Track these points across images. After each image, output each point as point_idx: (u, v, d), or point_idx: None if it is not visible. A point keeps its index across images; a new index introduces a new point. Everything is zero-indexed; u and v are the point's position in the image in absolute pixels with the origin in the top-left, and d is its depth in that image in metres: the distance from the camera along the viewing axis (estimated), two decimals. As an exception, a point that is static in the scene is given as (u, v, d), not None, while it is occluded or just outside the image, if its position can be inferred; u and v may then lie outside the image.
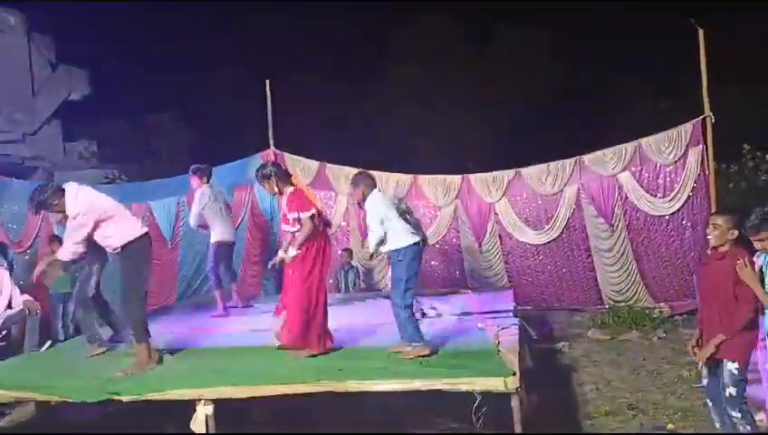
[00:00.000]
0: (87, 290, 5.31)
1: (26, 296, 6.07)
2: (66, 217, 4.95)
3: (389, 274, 5.30)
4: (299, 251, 5.05)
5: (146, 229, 5.17)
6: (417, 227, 6.39)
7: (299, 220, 5.08)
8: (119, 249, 5.00)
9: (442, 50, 22.29)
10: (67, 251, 4.93)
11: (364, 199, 5.15)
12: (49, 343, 5.93)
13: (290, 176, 5.38)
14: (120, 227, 4.98)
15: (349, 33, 23.76)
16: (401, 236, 5.01)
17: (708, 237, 3.99)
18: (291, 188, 5.24)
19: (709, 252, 4.10)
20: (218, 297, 7.34)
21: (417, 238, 5.06)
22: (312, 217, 5.07)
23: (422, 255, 5.19)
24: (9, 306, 6.01)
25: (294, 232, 5.15)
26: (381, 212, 5.00)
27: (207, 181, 7.45)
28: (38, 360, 5.51)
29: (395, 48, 23.00)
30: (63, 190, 4.98)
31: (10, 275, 6.17)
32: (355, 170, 9.60)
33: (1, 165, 17.20)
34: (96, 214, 4.88)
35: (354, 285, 9.32)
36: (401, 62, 22.53)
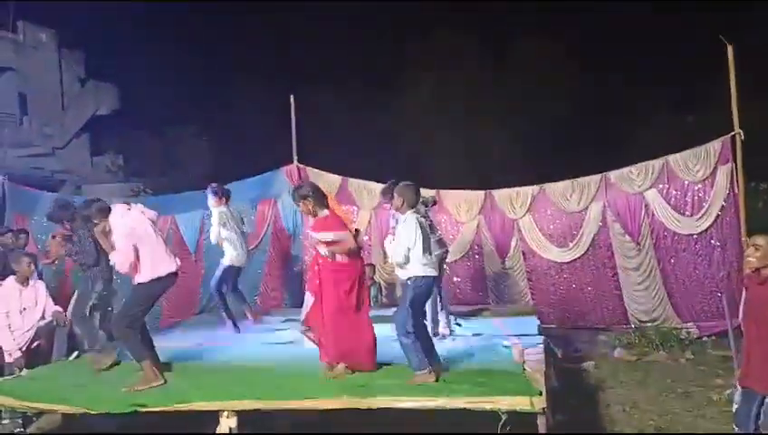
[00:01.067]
0: (85, 305, 5.40)
1: (56, 307, 6.15)
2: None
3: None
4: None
5: (175, 268, 5.16)
6: (440, 242, 6.37)
7: (333, 242, 5.01)
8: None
9: (463, 64, 22.36)
10: (120, 264, 4.97)
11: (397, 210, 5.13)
12: (76, 353, 5.98)
13: (326, 198, 5.29)
14: (149, 263, 4.99)
15: (370, 48, 23.94)
16: (422, 267, 4.94)
17: (748, 259, 3.81)
18: (326, 212, 5.17)
19: (747, 274, 3.90)
20: (225, 316, 7.30)
21: (434, 272, 5.08)
22: (356, 233, 5.20)
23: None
24: (42, 317, 6.09)
25: (322, 254, 5.12)
26: (412, 237, 4.92)
27: (226, 202, 7.45)
28: (66, 370, 5.56)
29: (417, 63, 23.11)
30: (110, 210, 5.11)
31: None
32: (376, 185, 9.83)
33: (31, 178, 17.56)
34: (133, 240, 4.94)
35: (376, 300, 9.27)
36: (423, 77, 22.62)
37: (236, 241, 7.35)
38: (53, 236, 5.98)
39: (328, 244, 5.04)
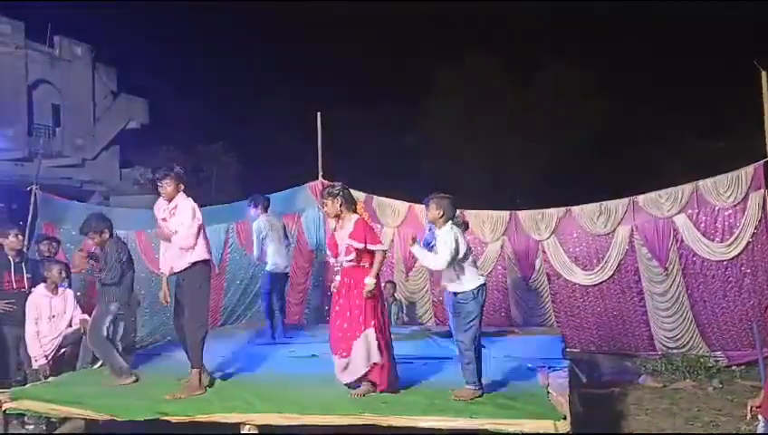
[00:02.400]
0: (101, 326, 5.41)
1: (83, 315, 6.23)
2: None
3: (447, 311, 5.15)
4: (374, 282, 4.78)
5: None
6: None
7: (364, 251, 4.81)
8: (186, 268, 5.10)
9: (491, 88, 22.41)
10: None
11: (433, 223, 5.08)
12: (101, 362, 6.04)
13: (355, 203, 5.08)
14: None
15: (400, 70, 24.20)
16: (474, 277, 4.94)
17: None
18: (356, 217, 4.93)
19: None
20: (268, 325, 7.45)
21: (484, 279, 5.06)
22: (385, 251, 5.03)
23: None
24: (69, 325, 6.17)
25: (346, 262, 4.88)
26: (461, 247, 4.89)
27: (265, 211, 7.61)
28: (90, 377, 5.61)
29: (446, 86, 23.24)
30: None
31: None
32: (400, 203, 9.85)
33: (61, 187, 17.93)
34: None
35: (397, 318, 9.24)
36: (451, 100, 22.72)
37: (276, 246, 7.50)
38: (80, 250, 6.08)
39: (359, 252, 4.82)
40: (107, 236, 5.51)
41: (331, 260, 5.18)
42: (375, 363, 4.73)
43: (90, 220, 5.55)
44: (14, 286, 6.29)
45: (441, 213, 4.94)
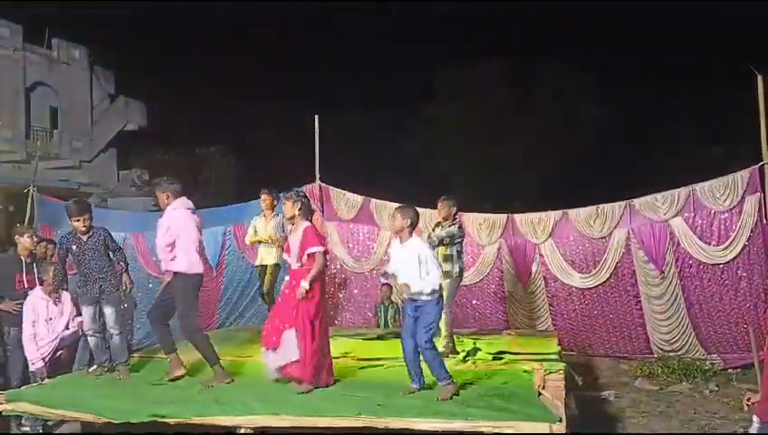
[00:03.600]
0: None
1: (80, 318, 6.21)
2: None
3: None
4: (309, 285, 4.99)
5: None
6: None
7: (311, 255, 5.07)
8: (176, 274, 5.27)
9: (488, 91, 22.47)
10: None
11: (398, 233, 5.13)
12: (95, 366, 6.02)
13: (312, 213, 5.48)
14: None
15: (399, 74, 24.26)
16: (437, 280, 4.97)
17: None
18: (306, 223, 5.18)
19: None
20: None
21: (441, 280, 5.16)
22: (325, 253, 5.19)
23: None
24: (66, 327, 6.16)
25: (294, 264, 5.19)
26: (426, 253, 4.96)
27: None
28: (87, 379, 5.60)
29: (442, 89, 23.29)
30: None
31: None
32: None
33: (59, 190, 17.92)
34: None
35: (393, 320, 9.25)
36: (450, 104, 22.76)
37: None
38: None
39: (310, 256, 5.08)
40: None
41: (288, 260, 5.37)
42: (293, 361, 5.00)
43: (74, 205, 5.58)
44: (26, 286, 6.30)
45: (408, 222, 5.00)
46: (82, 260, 5.56)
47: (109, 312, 5.52)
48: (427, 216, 9.29)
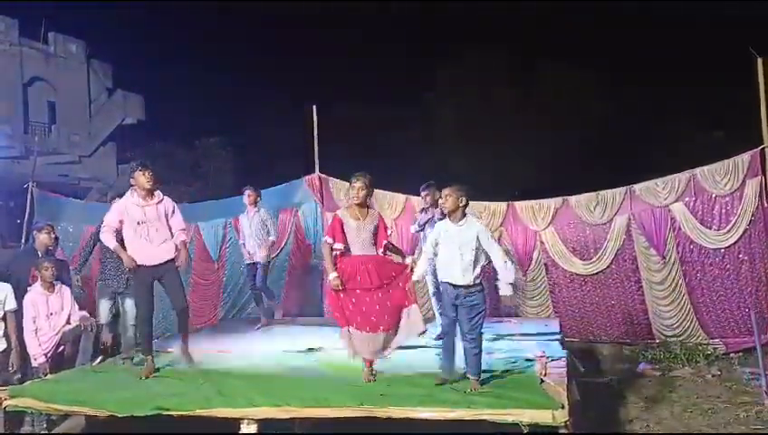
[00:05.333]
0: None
1: (83, 312, 6.23)
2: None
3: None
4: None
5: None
6: None
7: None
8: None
9: (487, 81, 22.37)
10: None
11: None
12: (101, 357, 6.05)
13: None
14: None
15: (400, 65, 24.14)
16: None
17: None
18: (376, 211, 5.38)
19: None
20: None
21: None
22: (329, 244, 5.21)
23: None
24: (68, 322, 6.17)
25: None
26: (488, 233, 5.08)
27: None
28: (90, 374, 5.62)
29: (441, 80, 23.19)
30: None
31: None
32: (399, 196, 9.84)
33: (58, 185, 17.90)
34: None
35: None
36: (451, 94, 22.66)
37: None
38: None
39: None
40: None
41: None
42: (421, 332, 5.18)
43: None
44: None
45: (464, 201, 4.95)
46: (112, 254, 5.58)
47: (129, 305, 5.57)
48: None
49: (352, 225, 5.08)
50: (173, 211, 5.42)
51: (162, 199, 5.37)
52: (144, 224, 5.24)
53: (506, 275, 4.88)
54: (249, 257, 7.98)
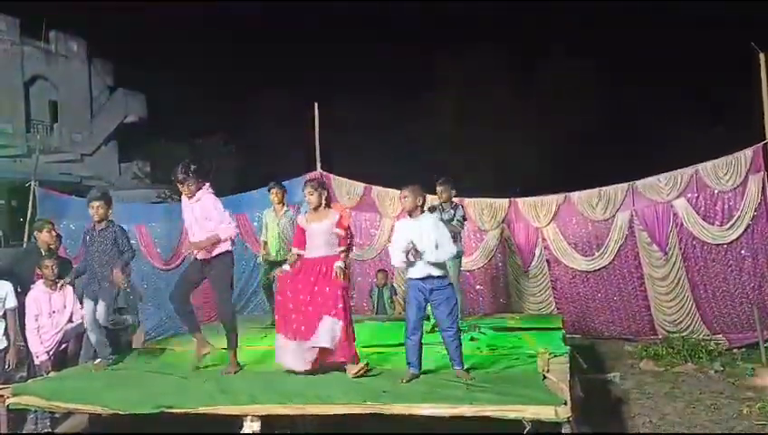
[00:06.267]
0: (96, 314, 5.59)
1: (84, 311, 6.22)
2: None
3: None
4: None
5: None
6: None
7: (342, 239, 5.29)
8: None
9: (488, 76, 22.34)
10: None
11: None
12: (99, 360, 6.04)
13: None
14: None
15: (400, 61, 24.11)
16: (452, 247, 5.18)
17: None
18: (336, 210, 5.42)
19: None
20: None
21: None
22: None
23: None
24: (70, 320, 6.18)
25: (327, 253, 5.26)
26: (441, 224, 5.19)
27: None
28: (92, 372, 5.62)
29: (441, 74, 23.16)
30: None
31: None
32: (399, 192, 9.83)
33: (61, 183, 17.92)
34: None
35: (390, 302, 9.19)
36: (451, 89, 22.64)
37: None
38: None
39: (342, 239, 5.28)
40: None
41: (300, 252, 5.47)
42: (333, 348, 5.10)
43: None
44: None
45: (422, 200, 5.14)
46: (90, 252, 5.62)
47: (101, 306, 5.55)
48: (428, 201, 9.32)
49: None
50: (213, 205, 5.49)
51: (200, 199, 5.42)
52: (188, 219, 5.44)
53: (438, 253, 4.95)
54: (275, 255, 7.76)
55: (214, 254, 5.33)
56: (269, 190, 7.80)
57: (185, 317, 5.60)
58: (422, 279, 4.96)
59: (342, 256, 5.20)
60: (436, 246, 4.93)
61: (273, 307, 7.84)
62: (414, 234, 5.00)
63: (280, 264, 7.72)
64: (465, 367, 5.00)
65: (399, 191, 9.76)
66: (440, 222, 5.24)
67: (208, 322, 9.19)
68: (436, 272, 4.96)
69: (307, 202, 5.32)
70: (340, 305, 5.03)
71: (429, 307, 5.10)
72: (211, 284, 5.47)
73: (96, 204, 5.60)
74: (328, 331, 4.98)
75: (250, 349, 6.37)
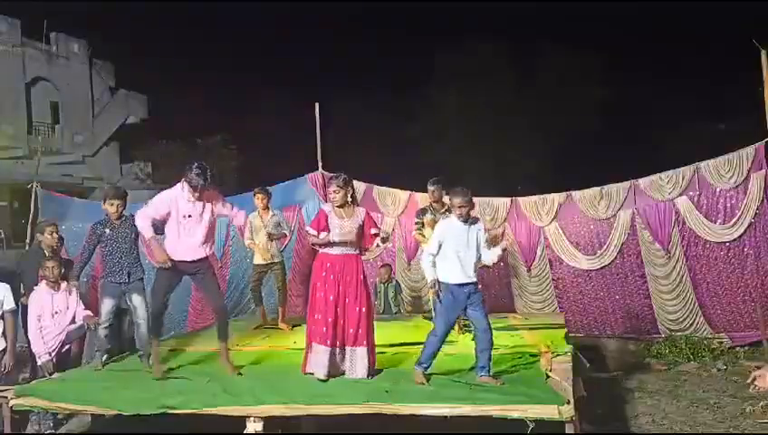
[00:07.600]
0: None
1: (87, 311, 6.24)
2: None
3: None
4: None
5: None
6: None
7: (373, 237, 5.29)
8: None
9: (489, 73, 22.32)
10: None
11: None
12: (106, 356, 6.06)
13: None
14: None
15: (399, 59, 24.12)
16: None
17: None
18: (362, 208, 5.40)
19: None
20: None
21: None
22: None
23: None
24: (73, 321, 6.18)
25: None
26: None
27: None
28: (95, 373, 5.62)
29: (442, 72, 23.14)
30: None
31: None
32: (401, 192, 9.84)
33: (62, 185, 17.95)
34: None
35: (394, 300, 9.14)
36: (449, 87, 22.62)
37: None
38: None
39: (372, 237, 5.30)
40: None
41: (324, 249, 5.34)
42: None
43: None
44: None
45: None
46: (113, 247, 5.61)
47: (138, 301, 5.57)
48: (418, 201, 9.33)
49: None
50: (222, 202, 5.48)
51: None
52: (190, 218, 5.21)
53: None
54: (270, 258, 7.72)
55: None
56: (254, 195, 7.67)
57: (161, 321, 5.59)
58: (462, 284, 4.91)
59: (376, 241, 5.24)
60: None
61: (260, 309, 7.98)
62: (461, 239, 4.98)
63: (269, 267, 7.76)
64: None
65: (400, 190, 9.90)
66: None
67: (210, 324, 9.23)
68: (475, 278, 4.98)
69: (331, 200, 5.15)
70: (370, 330, 5.03)
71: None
72: (204, 282, 5.44)
73: (116, 202, 5.65)
74: (363, 363, 4.97)
75: (251, 349, 6.37)
